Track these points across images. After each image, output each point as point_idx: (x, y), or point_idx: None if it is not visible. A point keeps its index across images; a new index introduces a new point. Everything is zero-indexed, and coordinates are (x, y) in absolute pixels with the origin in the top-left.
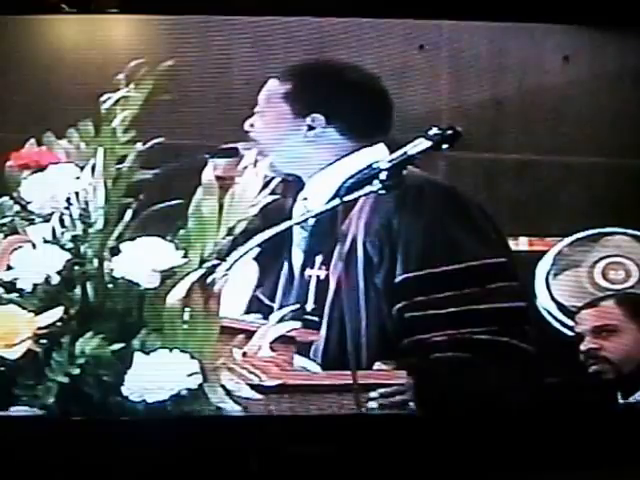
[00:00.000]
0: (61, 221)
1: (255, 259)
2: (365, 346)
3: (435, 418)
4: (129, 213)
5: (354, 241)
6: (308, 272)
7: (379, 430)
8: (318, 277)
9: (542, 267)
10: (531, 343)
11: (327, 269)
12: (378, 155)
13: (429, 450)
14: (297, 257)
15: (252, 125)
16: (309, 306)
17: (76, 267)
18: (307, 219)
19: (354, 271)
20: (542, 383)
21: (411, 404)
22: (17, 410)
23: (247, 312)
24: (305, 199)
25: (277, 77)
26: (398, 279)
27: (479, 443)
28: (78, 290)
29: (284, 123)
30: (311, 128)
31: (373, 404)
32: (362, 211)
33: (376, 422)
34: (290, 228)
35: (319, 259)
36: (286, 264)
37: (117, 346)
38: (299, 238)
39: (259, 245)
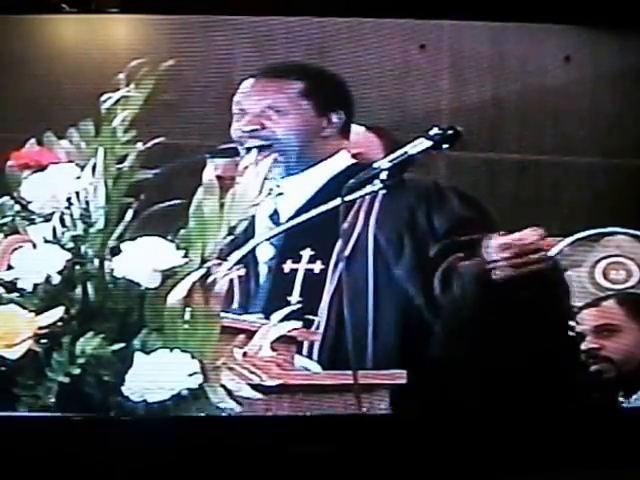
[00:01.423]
0: (62, 221)
1: None
2: (371, 343)
3: (435, 418)
4: (130, 213)
5: (361, 237)
6: (290, 266)
7: (379, 430)
8: (311, 271)
9: None
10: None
11: (324, 263)
12: (347, 161)
13: (429, 450)
14: (265, 251)
15: (256, 127)
16: (294, 299)
17: (77, 267)
18: (308, 219)
19: (363, 266)
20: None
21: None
22: (17, 410)
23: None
24: (280, 194)
25: (281, 76)
26: (435, 248)
27: (479, 443)
28: (79, 290)
29: (303, 120)
30: (330, 123)
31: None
32: (372, 207)
33: (376, 422)
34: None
35: (307, 253)
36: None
37: (118, 346)
38: (267, 233)
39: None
